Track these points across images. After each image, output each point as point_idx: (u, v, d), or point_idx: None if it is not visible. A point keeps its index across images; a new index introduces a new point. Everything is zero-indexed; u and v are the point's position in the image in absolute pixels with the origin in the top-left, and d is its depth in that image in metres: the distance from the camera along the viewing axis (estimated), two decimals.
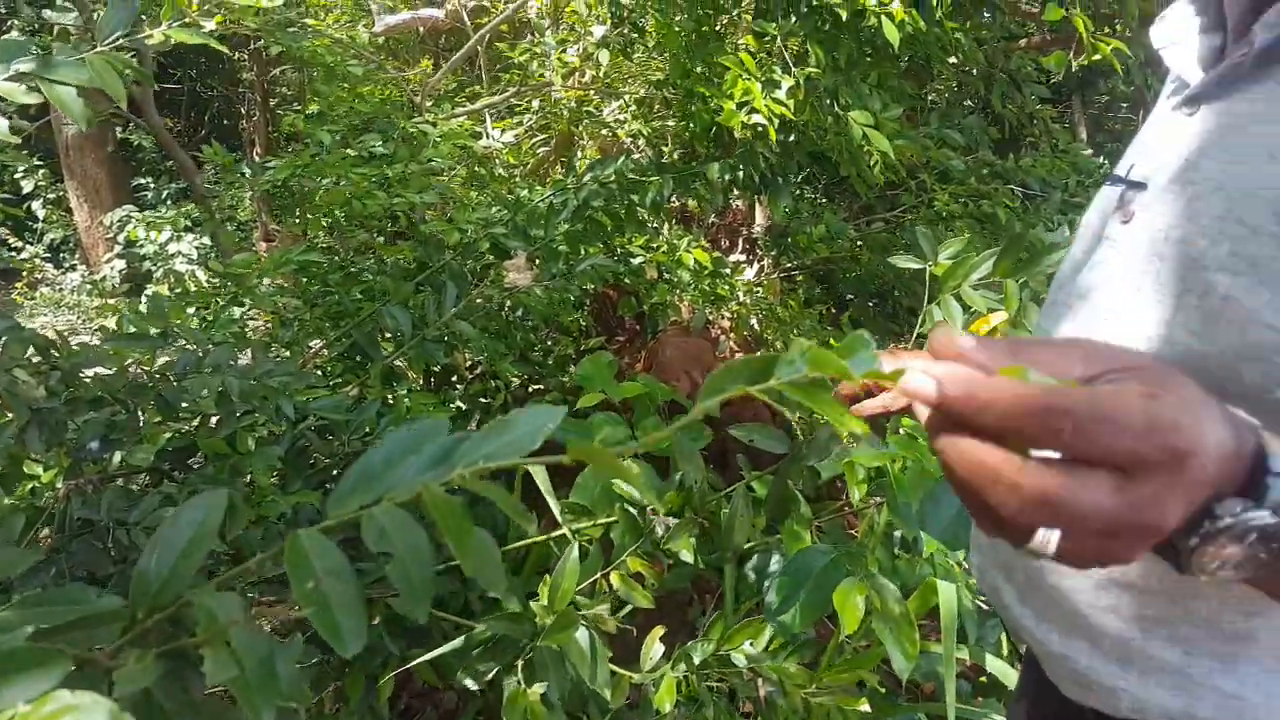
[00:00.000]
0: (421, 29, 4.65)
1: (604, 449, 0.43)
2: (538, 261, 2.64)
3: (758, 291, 3.46)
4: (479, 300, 2.74)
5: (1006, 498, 0.46)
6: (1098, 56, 2.27)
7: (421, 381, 3.44)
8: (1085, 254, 0.88)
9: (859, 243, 3.42)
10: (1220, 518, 0.49)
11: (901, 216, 3.56)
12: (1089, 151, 3.88)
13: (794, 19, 2.43)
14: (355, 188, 2.61)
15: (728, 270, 3.22)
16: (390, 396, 2.83)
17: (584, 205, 2.65)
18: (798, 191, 4.10)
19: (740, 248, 3.92)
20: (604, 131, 3.58)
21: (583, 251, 2.70)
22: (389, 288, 2.75)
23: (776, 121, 2.31)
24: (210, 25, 1.38)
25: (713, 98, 2.38)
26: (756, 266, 3.86)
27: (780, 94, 2.35)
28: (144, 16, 1.30)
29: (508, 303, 2.72)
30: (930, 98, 4.00)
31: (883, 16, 2.27)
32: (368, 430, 2.36)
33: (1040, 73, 3.58)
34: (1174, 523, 0.47)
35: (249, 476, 2.03)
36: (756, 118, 2.31)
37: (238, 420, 2.01)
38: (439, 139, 2.92)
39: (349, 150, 2.85)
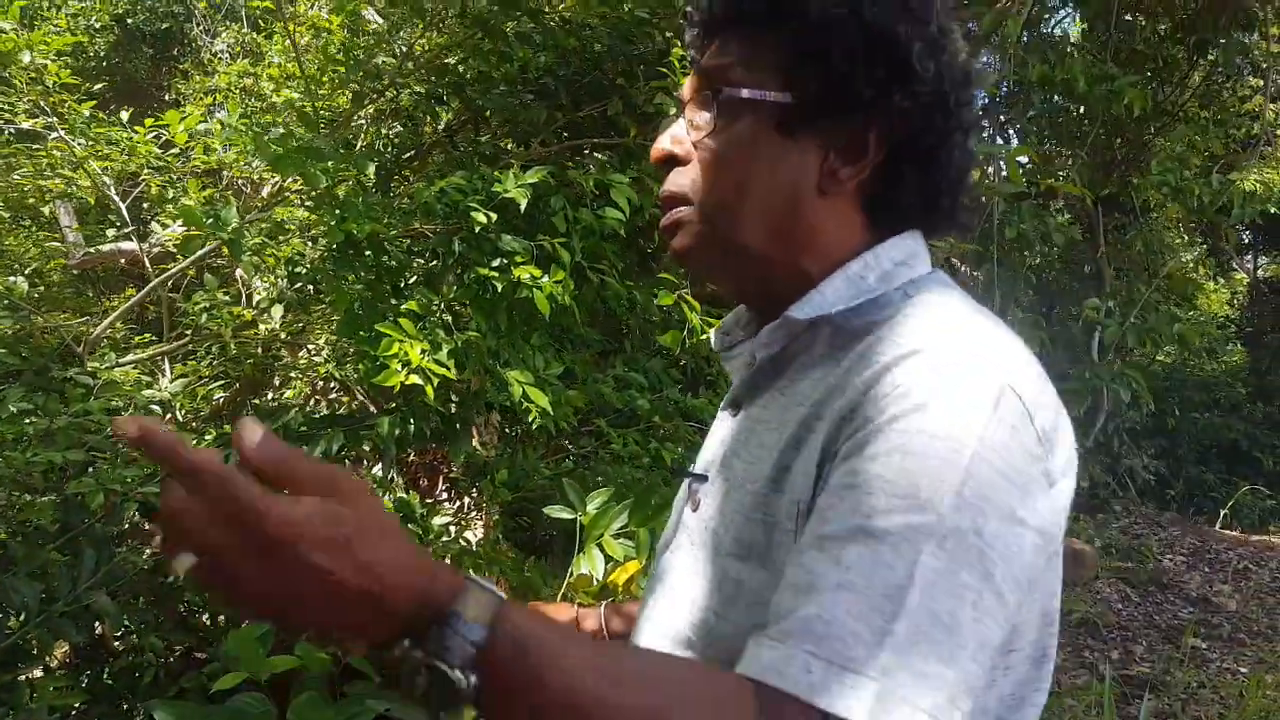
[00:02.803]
0: (123, 261, 4.63)
1: None
2: None
3: (453, 532, 3.55)
4: (130, 564, 2.65)
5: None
6: (705, 336, 2.71)
7: (70, 656, 3.19)
8: (671, 534, 1.00)
9: (551, 480, 3.65)
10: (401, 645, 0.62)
11: (593, 454, 3.86)
12: None
13: (457, 288, 2.72)
14: None
15: (420, 513, 3.32)
16: (14, 679, 2.61)
17: None
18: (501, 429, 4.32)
19: (441, 485, 4.04)
20: (293, 374, 3.67)
21: None
22: (19, 554, 2.61)
23: (436, 381, 2.52)
24: None
25: (378, 356, 2.57)
26: (457, 504, 3.99)
27: (442, 355, 2.58)
28: None
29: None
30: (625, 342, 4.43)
31: (534, 289, 2.60)
32: None
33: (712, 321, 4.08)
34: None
35: None
36: (416, 377, 2.51)
37: None
38: (99, 389, 2.89)
39: None
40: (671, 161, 0.92)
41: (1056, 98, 5.13)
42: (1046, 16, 5.08)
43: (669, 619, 0.91)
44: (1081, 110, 4.75)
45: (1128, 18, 5.03)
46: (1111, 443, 7.31)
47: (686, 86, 0.95)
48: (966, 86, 0.89)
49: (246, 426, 0.61)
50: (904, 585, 0.66)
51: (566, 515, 2.39)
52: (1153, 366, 8.15)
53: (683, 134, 0.92)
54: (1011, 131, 5.00)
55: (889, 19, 0.84)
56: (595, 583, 2.22)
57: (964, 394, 0.73)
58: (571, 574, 2.29)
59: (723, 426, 0.99)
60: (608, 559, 2.25)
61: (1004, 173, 3.19)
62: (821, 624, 0.66)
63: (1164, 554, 7.06)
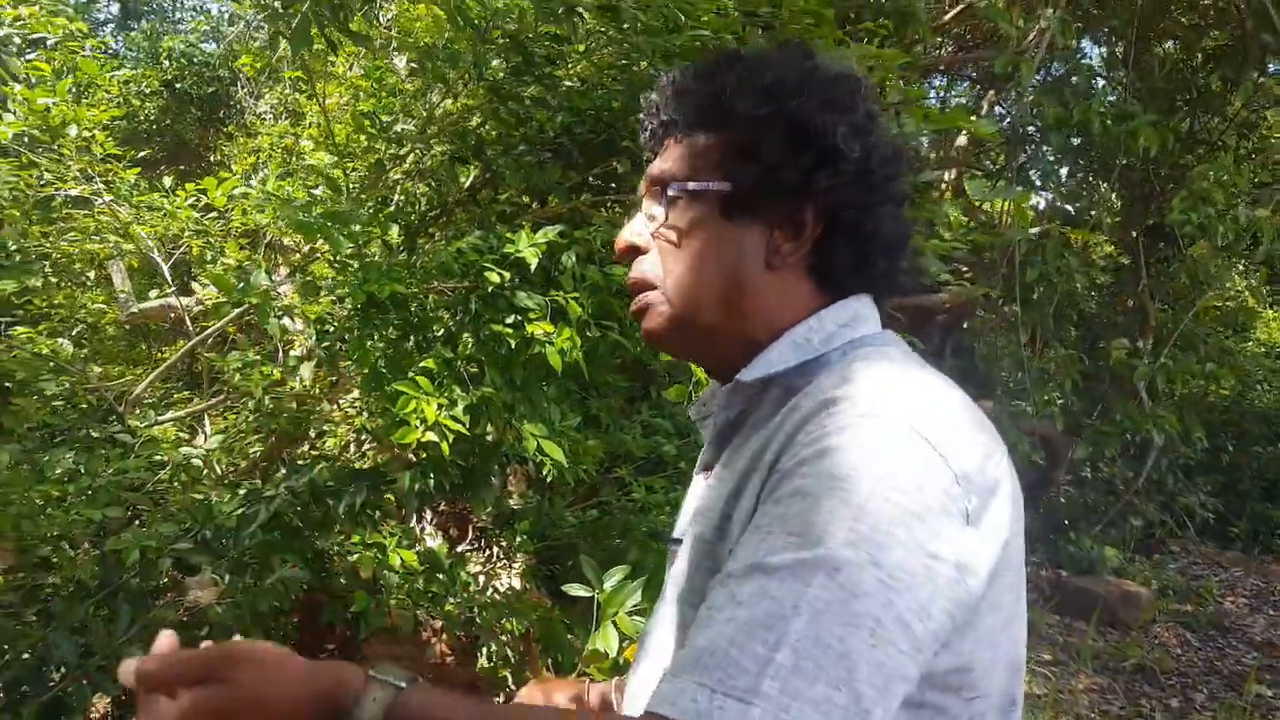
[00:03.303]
0: (172, 315, 4.85)
1: None
2: (224, 576, 2.74)
3: (481, 582, 3.64)
4: (165, 619, 2.77)
5: None
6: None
7: (110, 709, 3.33)
8: (660, 596, 1.08)
9: (577, 529, 3.71)
10: None
11: (616, 503, 3.91)
12: None
13: (472, 344, 2.82)
14: (26, 507, 2.66)
15: (447, 566, 3.41)
16: None
17: (276, 516, 2.81)
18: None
19: (470, 534, 4.13)
20: (326, 426, 3.81)
21: (276, 562, 2.82)
22: (60, 609, 2.74)
23: (452, 436, 2.62)
24: None
25: (398, 413, 2.67)
26: (487, 553, 4.07)
27: (458, 410, 2.67)
28: None
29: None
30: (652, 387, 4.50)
31: (546, 345, 2.69)
32: None
33: None
34: None
35: None
36: (433, 434, 2.61)
37: None
38: (139, 447, 3.05)
39: (37, 464, 2.92)
40: (634, 252, 1.03)
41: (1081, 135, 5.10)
42: (1074, 49, 5.08)
43: (649, 674, 0.99)
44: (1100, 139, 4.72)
45: (1159, 50, 5.03)
46: (1165, 480, 7.13)
47: (642, 185, 1.06)
48: (894, 163, 1.00)
49: (124, 665, 0.77)
50: (787, 615, 0.71)
51: (584, 593, 2.49)
52: (1209, 398, 7.94)
53: (641, 227, 1.04)
54: (1033, 172, 4.99)
55: (809, 113, 0.96)
56: (608, 659, 2.28)
57: (868, 437, 0.79)
58: (589, 648, 2.35)
59: (695, 489, 1.09)
60: (623, 636, 2.32)
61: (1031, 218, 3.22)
62: (709, 654, 0.72)
63: (1225, 596, 6.84)
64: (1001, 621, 0.86)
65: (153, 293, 4.21)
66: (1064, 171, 5.07)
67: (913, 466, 0.78)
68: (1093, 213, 4.42)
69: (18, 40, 4.34)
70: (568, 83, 3.28)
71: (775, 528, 0.77)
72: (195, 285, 3.92)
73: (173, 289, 3.87)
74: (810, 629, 0.70)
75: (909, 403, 0.84)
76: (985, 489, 0.82)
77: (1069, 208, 4.73)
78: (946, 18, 4.84)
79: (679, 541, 1.04)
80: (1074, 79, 4.02)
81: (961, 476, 0.80)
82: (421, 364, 2.73)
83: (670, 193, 1.00)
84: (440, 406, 2.64)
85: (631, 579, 2.52)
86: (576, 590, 2.48)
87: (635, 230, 1.04)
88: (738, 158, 0.97)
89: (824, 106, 0.96)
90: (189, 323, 3.81)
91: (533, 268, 2.68)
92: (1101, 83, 5.35)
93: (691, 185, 0.98)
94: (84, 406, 3.39)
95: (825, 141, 0.95)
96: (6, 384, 3.20)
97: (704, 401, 1.15)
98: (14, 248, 3.71)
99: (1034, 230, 3.16)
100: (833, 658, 0.70)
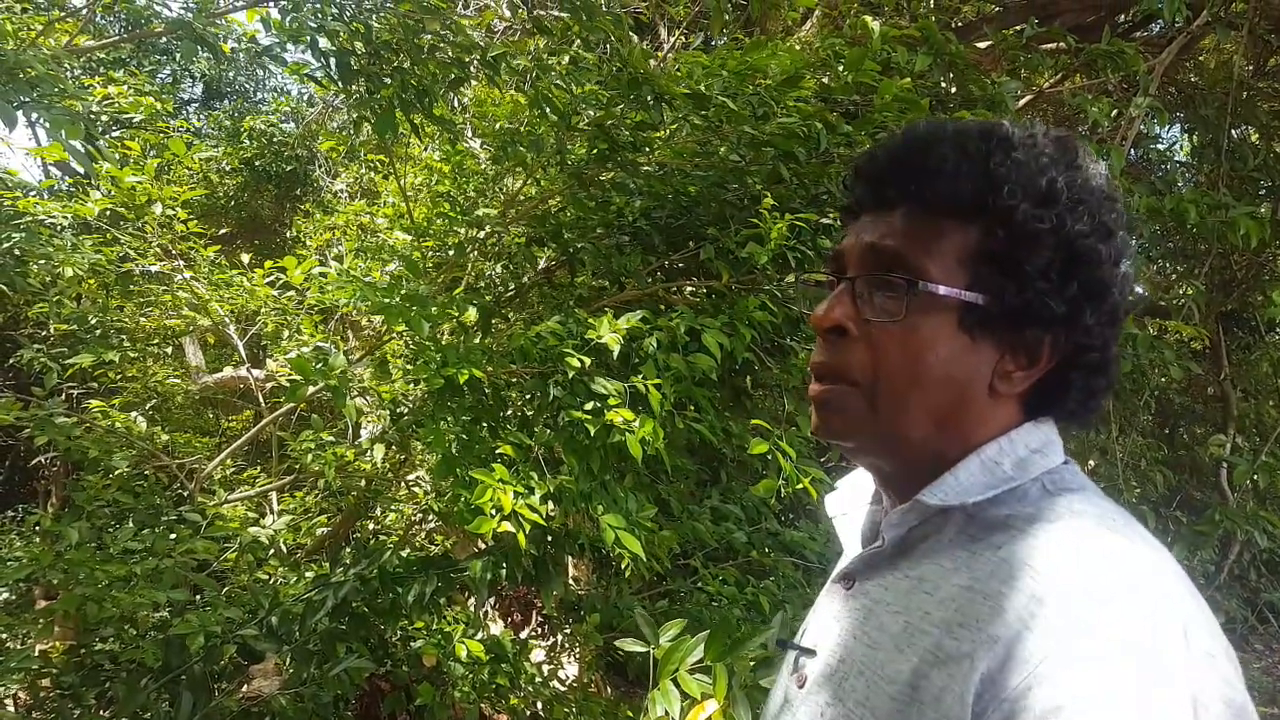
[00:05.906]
0: (241, 385, 4.86)
1: None
2: (288, 664, 2.63)
3: (545, 672, 3.48)
4: (226, 709, 2.66)
5: None
6: (800, 486, 2.64)
7: None
8: (777, 709, 0.96)
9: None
10: None
11: (687, 594, 3.75)
12: None
13: (550, 431, 2.72)
14: (93, 589, 2.59)
15: (511, 654, 3.27)
16: None
17: (344, 603, 2.70)
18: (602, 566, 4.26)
19: (534, 621, 3.98)
20: (394, 505, 3.72)
21: (342, 651, 2.71)
22: (122, 693, 2.65)
23: (528, 527, 2.50)
24: None
25: (473, 501, 2.57)
26: (551, 641, 3.92)
27: (534, 499, 2.56)
28: None
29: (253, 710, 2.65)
30: (721, 471, 4.36)
31: (626, 433, 2.58)
32: None
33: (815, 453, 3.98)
34: None
35: None
36: (509, 524, 2.50)
37: None
38: (205, 527, 2.98)
39: (104, 542, 2.86)
40: (839, 332, 0.89)
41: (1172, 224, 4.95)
42: (1154, 138, 4.98)
43: None
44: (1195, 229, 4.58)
45: (1254, 139, 4.88)
46: (1248, 574, 6.78)
47: (851, 245, 0.92)
48: (1130, 294, 0.89)
49: None
50: None
51: (639, 649, 2.33)
52: None
53: (853, 309, 0.89)
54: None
55: (1085, 237, 0.83)
56: None
57: (1146, 663, 0.68)
58: (646, 710, 2.18)
59: (834, 601, 0.95)
60: (684, 695, 2.14)
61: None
62: None
63: None
64: None
65: (228, 369, 4.20)
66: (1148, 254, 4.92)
67: (1198, 685, 0.68)
68: (1180, 302, 4.25)
69: (104, 118, 4.44)
70: (646, 168, 3.23)
71: None
72: (269, 362, 3.90)
73: (245, 363, 3.85)
74: None
75: (1167, 602, 0.72)
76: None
77: (1150, 296, 4.56)
78: (1019, 104, 4.75)
79: (810, 652, 0.93)
80: (1164, 166, 3.90)
81: (1227, 658, 0.71)
82: (499, 450, 2.63)
83: (918, 289, 0.85)
84: (517, 495, 2.54)
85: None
86: (631, 646, 2.30)
87: (847, 313, 0.89)
88: (995, 266, 0.84)
89: (1098, 232, 0.84)
90: (262, 399, 3.77)
91: (615, 354, 2.59)
92: (1180, 169, 5.22)
93: (943, 290, 0.84)
94: (153, 482, 3.34)
95: (1097, 275, 0.84)
96: (79, 460, 3.18)
97: (843, 496, 1.03)
98: (94, 321, 3.73)
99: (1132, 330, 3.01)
100: None
